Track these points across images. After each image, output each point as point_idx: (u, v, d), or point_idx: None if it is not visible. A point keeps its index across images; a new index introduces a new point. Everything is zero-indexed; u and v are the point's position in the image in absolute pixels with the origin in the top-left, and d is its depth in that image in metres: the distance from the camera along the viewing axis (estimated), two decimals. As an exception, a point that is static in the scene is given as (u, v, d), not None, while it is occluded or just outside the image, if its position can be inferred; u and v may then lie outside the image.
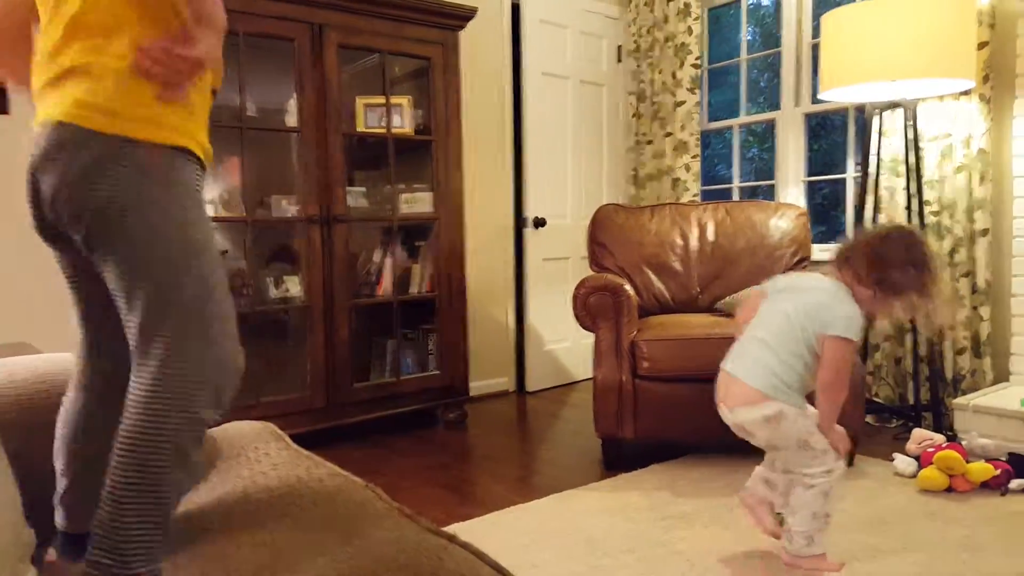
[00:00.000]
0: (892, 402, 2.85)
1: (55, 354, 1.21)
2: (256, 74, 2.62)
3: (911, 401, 2.74)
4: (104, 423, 0.97)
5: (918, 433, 2.27)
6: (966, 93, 2.59)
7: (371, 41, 2.75)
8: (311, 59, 2.60)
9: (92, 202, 0.87)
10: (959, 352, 2.65)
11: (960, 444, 2.14)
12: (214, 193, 2.57)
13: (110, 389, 0.99)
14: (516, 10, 3.53)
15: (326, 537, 0.90)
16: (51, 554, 0.99)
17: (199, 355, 0.89)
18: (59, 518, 1.00)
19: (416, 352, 3.05)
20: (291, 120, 2.64)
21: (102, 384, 1.00)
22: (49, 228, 0.95)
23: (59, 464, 1.00)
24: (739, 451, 1.33)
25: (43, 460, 1.02)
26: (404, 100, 2.91)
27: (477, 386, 3.43)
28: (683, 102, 3.58)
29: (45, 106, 0.94)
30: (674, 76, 3.60)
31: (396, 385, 2.88)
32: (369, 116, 2.85)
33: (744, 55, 3.65)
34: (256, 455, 1.20)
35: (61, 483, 0.99)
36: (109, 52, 0.92)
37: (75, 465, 0.98)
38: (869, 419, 2.79)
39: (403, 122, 2.90)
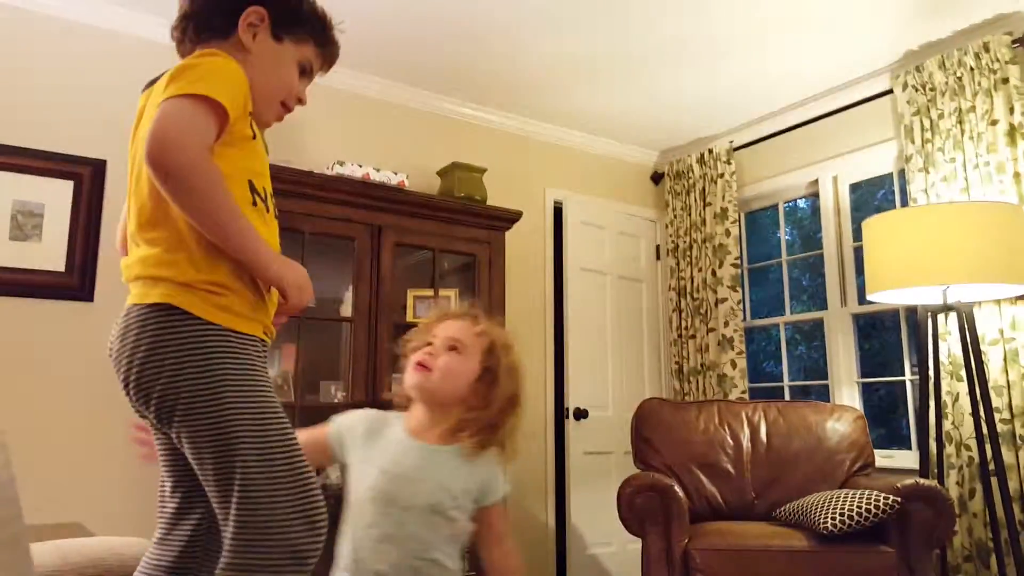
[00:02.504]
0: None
1: (106, 538, 1.24)
2: (315, 267, 2.81)
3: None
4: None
5: None
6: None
7: (424, 240, 2.96)
8: (369, 256, 2.80)
9: (153, 391, 0.97)
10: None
11: None
12: (270, 377, 2.63)
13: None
14: (558, 212, 3.80)
15: None
16: None
17: (263, 537, 0.93)
18: None
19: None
20: (346, 310, 2.77)
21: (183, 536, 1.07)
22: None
23: None
24: None
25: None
26: (452, 293, 3.04)
27: (512, 596, 3.10)
28: (725, 299, 3.62)
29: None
30: (714, 274, 3.69)
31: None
32: (418, 307, 2.98)
33: (784, 256, 3.72)
34: None
35: None
36: (177, 260, 1.02)
37: None
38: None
39: (450, 313, 3.01)
